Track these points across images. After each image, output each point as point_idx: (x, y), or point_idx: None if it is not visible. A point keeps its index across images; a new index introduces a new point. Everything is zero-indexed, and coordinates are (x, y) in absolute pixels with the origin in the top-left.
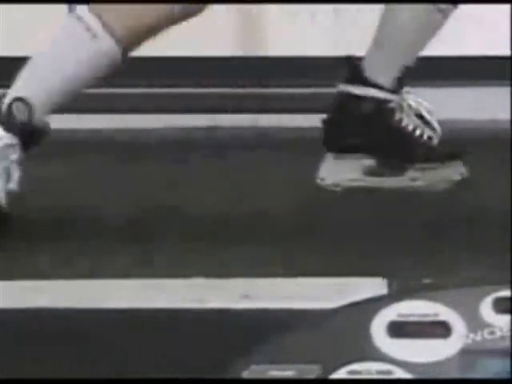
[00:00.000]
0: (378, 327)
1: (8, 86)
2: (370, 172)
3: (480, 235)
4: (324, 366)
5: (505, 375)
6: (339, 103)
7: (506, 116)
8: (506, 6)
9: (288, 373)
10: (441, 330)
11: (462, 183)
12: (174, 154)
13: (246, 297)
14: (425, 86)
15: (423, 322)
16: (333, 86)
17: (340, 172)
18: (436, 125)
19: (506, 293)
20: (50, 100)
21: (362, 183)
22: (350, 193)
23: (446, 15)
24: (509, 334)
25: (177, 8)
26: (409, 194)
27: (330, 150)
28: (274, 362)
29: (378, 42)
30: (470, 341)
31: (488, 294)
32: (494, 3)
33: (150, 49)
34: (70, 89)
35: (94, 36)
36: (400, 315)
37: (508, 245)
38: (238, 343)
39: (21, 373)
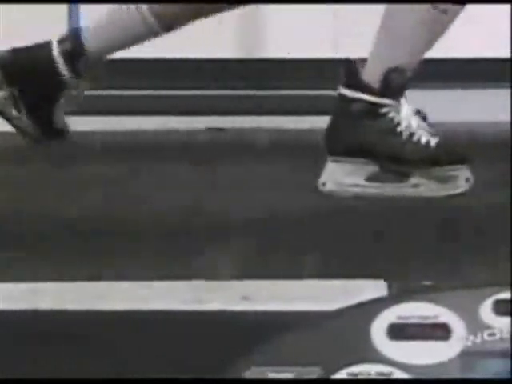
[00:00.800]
0: (378, 329)
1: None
2: (372, 178)
3: (480, 237)
4: (324, 367)
5: (505, 376)
6: (338, 106)
7: (506, 118)
8: (506, 7)
9: (288, 374)
10: (441, 332)
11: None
12: (175, 155)
13: (246, 298)
14: (425, 88)
15: (423, 324)
16: (333, 88)
17: (341, 177)
18: (434, 130)
19: (505, 295)
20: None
21: (362, 189)
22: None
23: (451, 16)
24: (508, 335)
25: None
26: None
27: (330, 153)
28: (274, 363)
29: (375, 45)
30: (469, 343)
31: (488, 296)
32: (494, 3)
33: (151, 51)
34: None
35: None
36: (400, 317)
37: (508, 247)
38: (238, 345)
39: (21, 373)
